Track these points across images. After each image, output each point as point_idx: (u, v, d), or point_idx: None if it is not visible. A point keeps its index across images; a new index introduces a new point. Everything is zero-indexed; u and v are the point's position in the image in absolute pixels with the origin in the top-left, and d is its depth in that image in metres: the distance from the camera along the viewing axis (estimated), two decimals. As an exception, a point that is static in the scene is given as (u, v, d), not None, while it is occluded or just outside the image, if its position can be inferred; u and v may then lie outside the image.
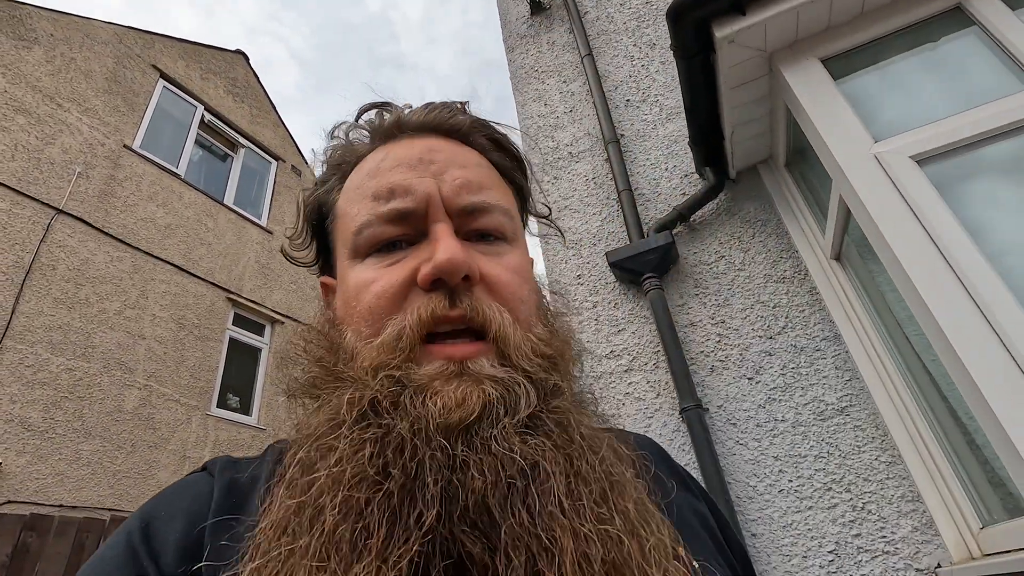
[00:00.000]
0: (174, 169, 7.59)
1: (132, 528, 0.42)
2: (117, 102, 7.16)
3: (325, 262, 0.60)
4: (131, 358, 6.08)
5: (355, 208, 0.50)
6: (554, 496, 0.36)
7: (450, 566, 0.35)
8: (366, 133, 0.57)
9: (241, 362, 7.64)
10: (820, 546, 1.63)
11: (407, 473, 0.36)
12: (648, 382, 2.09)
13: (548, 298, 0.58)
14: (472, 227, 0.49)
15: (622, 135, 2.72)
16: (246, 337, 7.82)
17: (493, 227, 0.50)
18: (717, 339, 2.05)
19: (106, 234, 6.34)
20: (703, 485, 0.61)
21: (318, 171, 0.60)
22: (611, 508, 0.38)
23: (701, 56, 1.85)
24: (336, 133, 0.59)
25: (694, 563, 0.42)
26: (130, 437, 5.79)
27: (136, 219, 6.76)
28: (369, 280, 0.47)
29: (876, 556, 1.57)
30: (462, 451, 0.37)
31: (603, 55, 3.04)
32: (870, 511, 1.62)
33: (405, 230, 0.48)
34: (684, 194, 2.42)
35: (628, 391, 2.10)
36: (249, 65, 10.00)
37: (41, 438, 5.10)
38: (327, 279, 0.59)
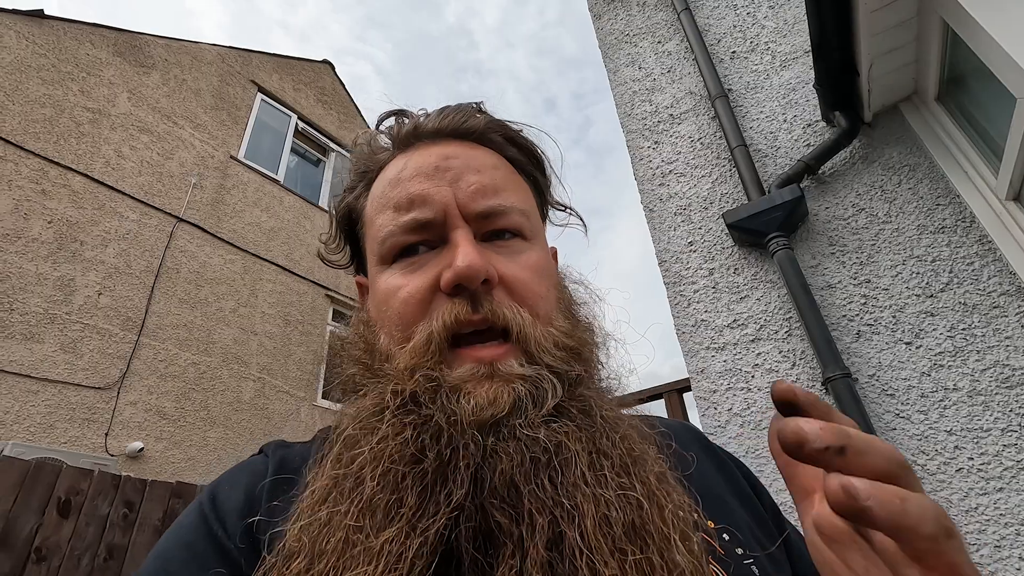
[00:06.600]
0: (274, 176, 8.08)
1: (203, 499, 0.48)
2: (223, 116, 7.73)
3: (359, 263, 0.63)
4: (246, 352, 6.55)
5: (380, 217, 0.53)
6: (576, 468, 0.39)
7: (480, 534, 0.38)
8: (387, 141, 0.59)
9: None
10: (1018, 534, 1.37)
11: (442, 457, 0.40)
12: (780, 351, 1.88)
13: (570, 288, 0.58)
14: (489, 229, 0.51)
15: (730, 89, 2.49)
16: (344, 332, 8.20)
17: (509, 227, 0.52)
18: (862, 301, 1.81)
19: (219, 239, 6.87)
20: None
21: (347, 178, 0.63)
22: (632, 478, 0.40)
23: (836, -23, 1.63)
24: (358, 142, 0.61)
25: (714, 525, 0.48)
26: (248, 425, 6.24)
27: (244, 224, 7.27)
28: (397, 286, 0.49)
29: (1096, 548, 1.30)
30: (492, 442, 0.40)
31: (702, 8, 2.82)
32: (1083, 494, 1.35)
33: (426, 236, 0.50)
34: (808, 145, 2.17)
35: (757, 362, 1.90)
36: (335, 74, 10.45)
37: (174, 426, 5.61)
38: (361, 279, 0.62)
